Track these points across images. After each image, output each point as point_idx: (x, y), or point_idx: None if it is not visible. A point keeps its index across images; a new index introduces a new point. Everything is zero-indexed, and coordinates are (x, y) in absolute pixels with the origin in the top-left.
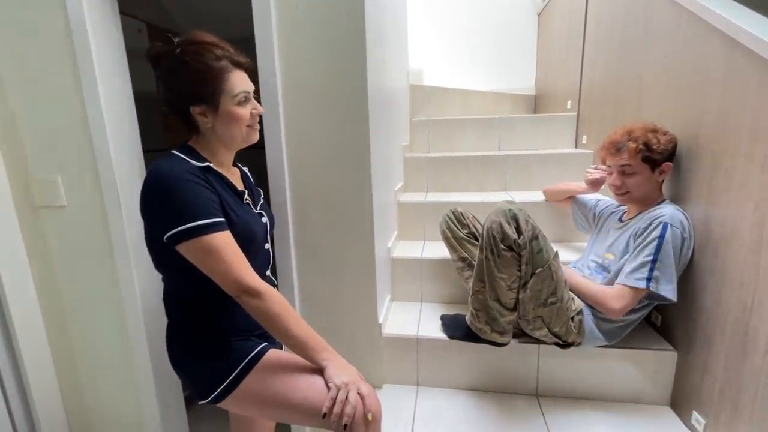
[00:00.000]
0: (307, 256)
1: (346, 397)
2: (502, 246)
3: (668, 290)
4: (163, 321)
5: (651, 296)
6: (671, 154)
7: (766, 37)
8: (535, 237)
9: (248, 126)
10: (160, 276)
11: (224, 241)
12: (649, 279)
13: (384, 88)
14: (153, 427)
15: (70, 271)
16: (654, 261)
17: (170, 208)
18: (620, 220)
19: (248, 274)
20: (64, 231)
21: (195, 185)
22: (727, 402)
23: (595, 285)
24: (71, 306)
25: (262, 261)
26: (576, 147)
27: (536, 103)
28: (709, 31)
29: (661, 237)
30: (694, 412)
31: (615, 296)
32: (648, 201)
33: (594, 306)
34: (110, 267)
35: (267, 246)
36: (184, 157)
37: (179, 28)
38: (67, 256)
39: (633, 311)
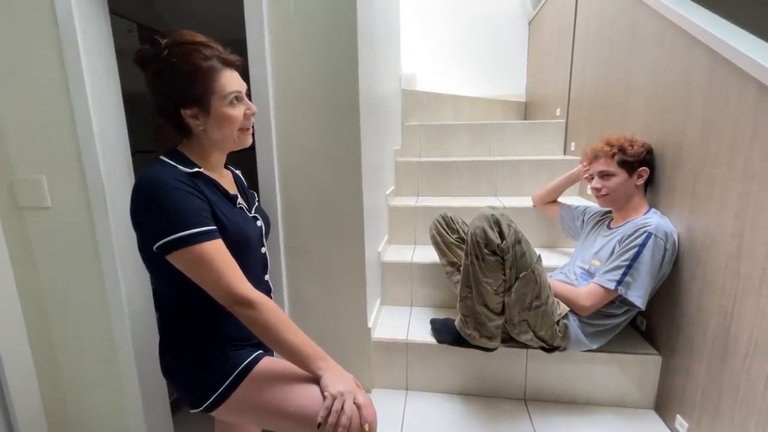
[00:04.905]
0: (297, 259)
1: (342, 406)
2: (486, 251)
3: (636, 297)
4: (150, 325)
5: (622, 301)
6: (646, 159)
7: (746, 50)
8: (518, 241)
9: (241, 129)
10: (146, 279)
11: (215, 249)
12: (619, 282)
13: (376, 92)
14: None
15: (54, 274)
16: (629, 267)
17: (159, 217)
18: (608, 227)
19: (240, 284)
20: (48, 233)
21: (184, 193)
22: (709, 405)
23: (568, 285)
24: (55, 309)
25: (258, 265)
26: (565, 154)
27: (527, 110)
28: (692, 44)
29: (642, 246)
30: (677, 415)
31: (585, 294)
32: (631, 207)
33: (567, 304)
34: (96, 269)
35: (263, 250)
36: (173, 163)
37: (170, 29)
38: (51, 258)
39: (615, 316)
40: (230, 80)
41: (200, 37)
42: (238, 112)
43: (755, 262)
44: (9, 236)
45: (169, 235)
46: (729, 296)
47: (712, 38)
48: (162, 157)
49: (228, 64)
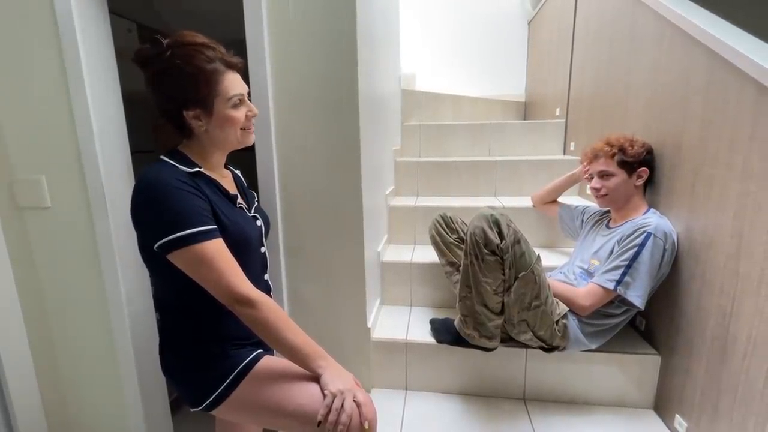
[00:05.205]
0: (297, 259)
1: (342, 404)
2: (485, 251)
3: (635, 297)
4: (149, 324)
5: (621, 301)
6: (646, 159)
7: (745, 50)
8: (517, 241)
9: (242, 128)
10: (146, 279)
11: (216, 249)
12: (618, 282)
13: (375, 92)
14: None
15: (53, 274)
16: (628, 266)
17: (160, 216)
18: (607, 227)
19: (241, 283)
20: (48, 233)
21: (184, 192)
22: (708, 405)
23: (567, 285)
24: (54, 309)
25: (258, 265)
26: (564, 153)
27: (526, 110)
28: (691, 44)
29: (642, 246)
30: (676, 415)
31: (585, 294)
32: (631, 207)
33: (566, 304)
34: (96, 269)
35: (263, 249)
36: (173, 162)
37: (170, 28)
38: (50, 258)
39: (614, 316)
40: (234, 83)
41: (201, 38)
42: (240, 113)
43: (754, 262)
44: (9, 236)
45: (170, 235)
46: (728, 296)
47: (711, 38)
48: (163, 157)
49: (231, 66)
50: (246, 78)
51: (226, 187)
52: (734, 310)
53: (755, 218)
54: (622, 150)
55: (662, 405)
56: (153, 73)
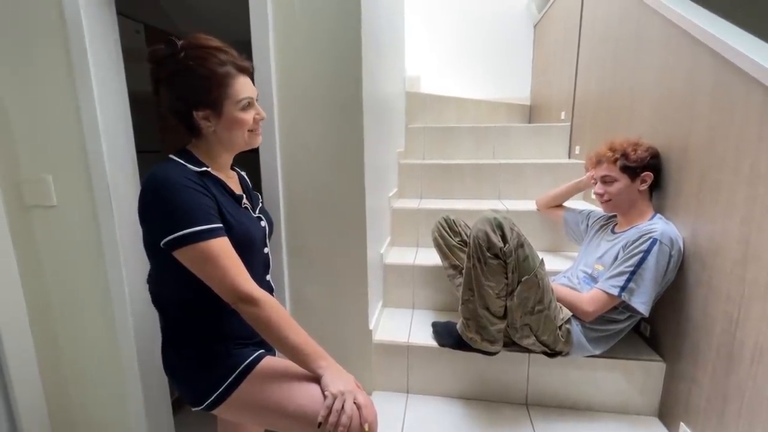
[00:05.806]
0: (299, 259)
1: (342, 406)
2: (488, 254)
3: (640, 303)
4: (153, 324)
5: (626, 307)
6: (650, 164)
7: (751, 53)
8: (520, 245)
9: (250, 131)
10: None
11: (221, 247)
12: (623, 288)
13: (379, 95)
14: (138, 431)
15: (58, 271)
16: (633, 273)
17: (167, 214)
18: (612, 231)
19: (245, 281)
20: (53, 231)
21: (192, 191)
22: (713, 413)
23: (571, 290)
24: (59, 306)
25: (261, 265)
26: (569, 157)
27: (531, 113)
28: (698, 47)
29: (647, 252)
30: (681, 423)
31: (588, 300)
32: (636, 212)
33: (569, 309)
34: (100, 268)
35: (266, 250)
36: (182, 161)
37: (177, 29)
38: (56, 256)
39: (618, 321)
40: (244, 86)
41: (215, 42)
42: (248, 116)
43: (761, 268)
44: (15, 234)
45: (177, 232)
46: (734, 302)
47: (717, 41)
48: (172, 156)
49: (242, 70)
50: (253, 79)
51: (232, 187)
52: (741, 317)
53: (763, 223)
54: (624, 155)
55: (667, 412)
56: (166, 73)
